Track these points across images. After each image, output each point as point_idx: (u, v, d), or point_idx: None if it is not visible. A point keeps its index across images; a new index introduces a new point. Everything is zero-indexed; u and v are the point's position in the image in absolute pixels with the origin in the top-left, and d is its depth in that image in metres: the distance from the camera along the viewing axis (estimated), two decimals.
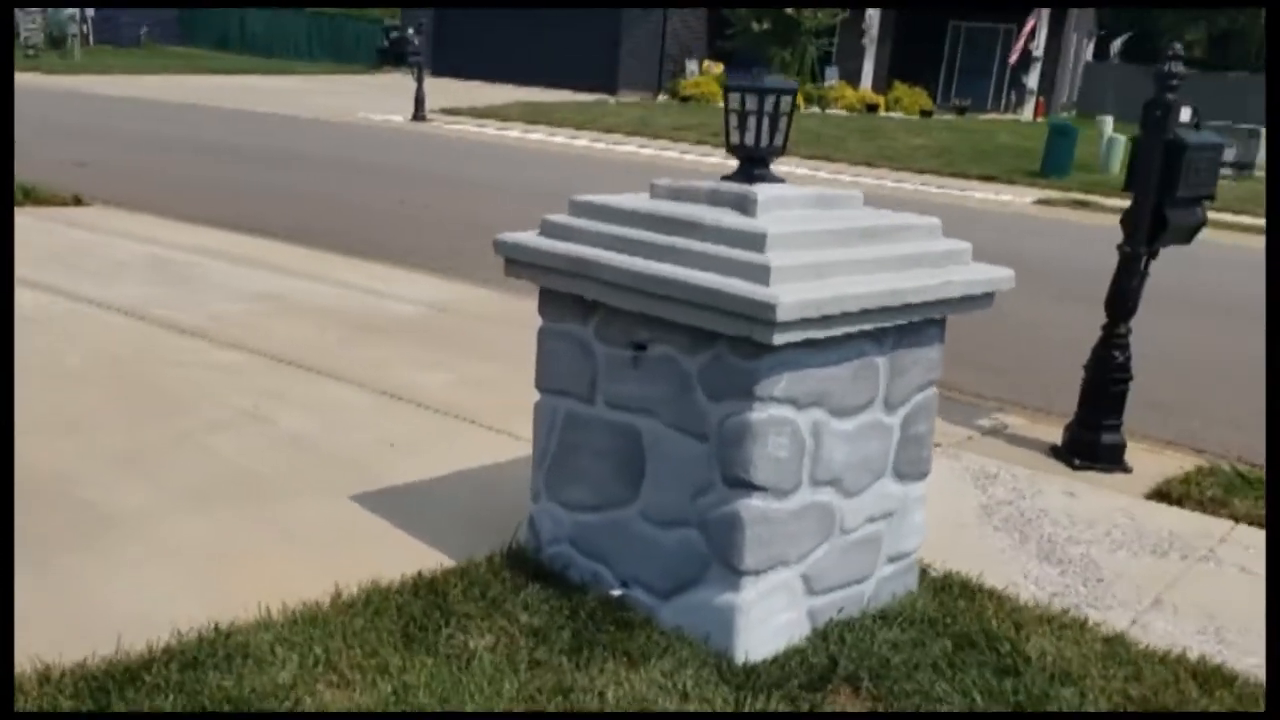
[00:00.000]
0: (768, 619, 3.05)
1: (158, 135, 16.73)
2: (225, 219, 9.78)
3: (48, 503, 3.74)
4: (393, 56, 37.49)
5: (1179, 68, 4.69)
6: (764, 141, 3.21)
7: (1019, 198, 15.59)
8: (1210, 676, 3.11)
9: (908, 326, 3.15)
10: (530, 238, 3.30)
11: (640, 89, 32.44)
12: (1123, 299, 4.95)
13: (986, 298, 3.28)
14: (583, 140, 20.70)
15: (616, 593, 3.26)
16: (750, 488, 2.93)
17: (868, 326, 2.97)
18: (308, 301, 6.83)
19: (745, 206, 3.04)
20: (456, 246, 9.55)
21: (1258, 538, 4.32)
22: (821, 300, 2.76)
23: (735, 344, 2.87)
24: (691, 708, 2.78)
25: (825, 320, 2.81)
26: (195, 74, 29.92)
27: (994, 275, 3.25)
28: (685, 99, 29.88)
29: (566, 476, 3.38)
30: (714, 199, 3.16)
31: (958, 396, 5.92)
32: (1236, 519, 4.49)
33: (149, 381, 5.07)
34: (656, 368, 3.08)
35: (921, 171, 18.02)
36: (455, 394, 5.25)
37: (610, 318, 3.18)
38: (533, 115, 23.24)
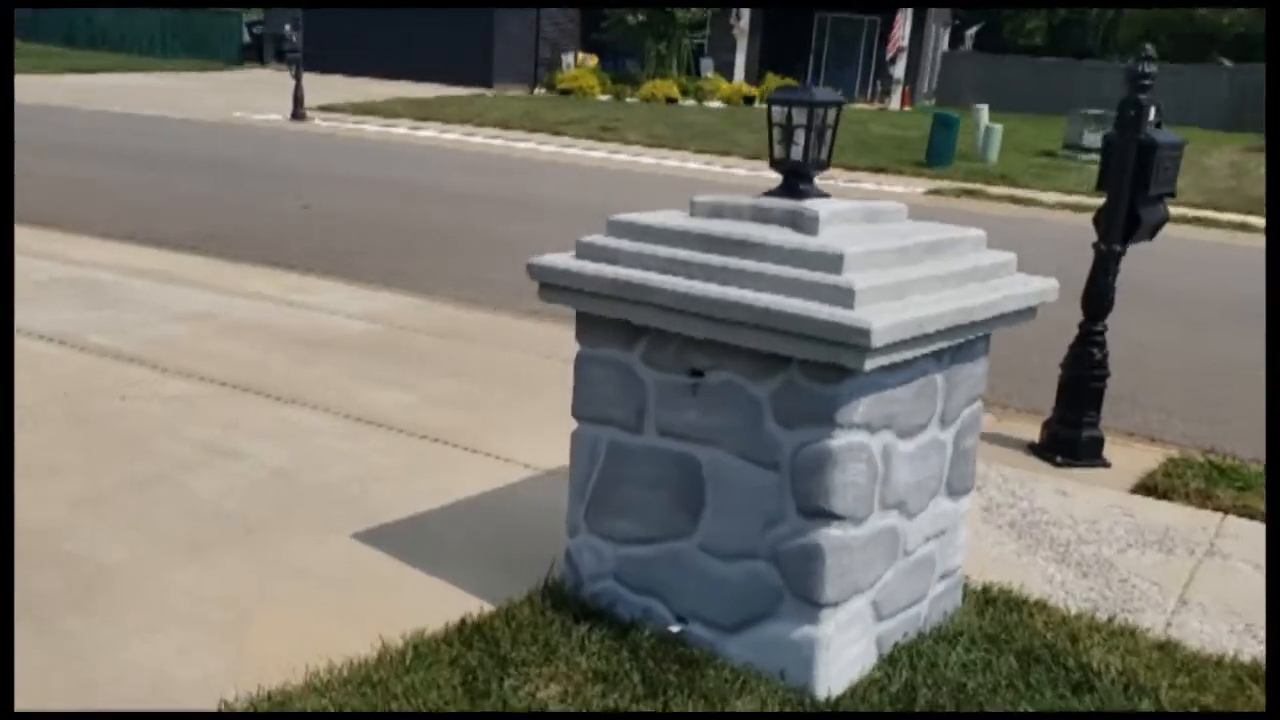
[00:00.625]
0: (844, 650, 2.96)
1: (30, 140, 15.74)
2: (131, 231, 9.23)
3: (29, 557, 3.41)
4: (258, 52, 36.23)
5: (1151, 68, 4.76)
6: (811, 155, 3.12)
7: (910, 189, 15.86)
8: (1259, 673, 3.14)
9: (964, 343, 3.09)
10: (570, 261, 3.12)
11: (515, 82, 32.06)
12: (1100, 296, 5.01)
13: (1032, 310, 3.24)
14: (477, 136, 20.30)
15: (675, 629, 3.12)
16: (830, 517, 2.83)
17: (942, 345, 2.90)
18: (243, 319, 6.46)
19: (804, 225, 2.93)
20: (373, 252, 9.22)
21: (1250, 529, 4.42)
22: (909, 322, 2.67)
23: (809, 369, 2.76)
24: None
25: (908, 342, 2.72)
26: (51, 73, 28.33)
27: (1043, 287, 3.22)
28: (564, 92, 29.65)
29: (612, 509, 3.23)
30: (763, 216, 3.05)
31: None
32: (1224, 510, 4.59)
33: (101, 417, 4.70)
34: (718, 395, 2.95)
35: None
36: (425, 415, 5.02)
37: (660, 343, 3.03)
38: (417, 111, 22.71)
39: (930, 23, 42.35)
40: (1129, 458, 5.24)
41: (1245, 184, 19.22)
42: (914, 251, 2.95)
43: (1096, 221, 5.07)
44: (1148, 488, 4.82)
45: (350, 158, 16.37)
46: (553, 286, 3.16)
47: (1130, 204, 4.93)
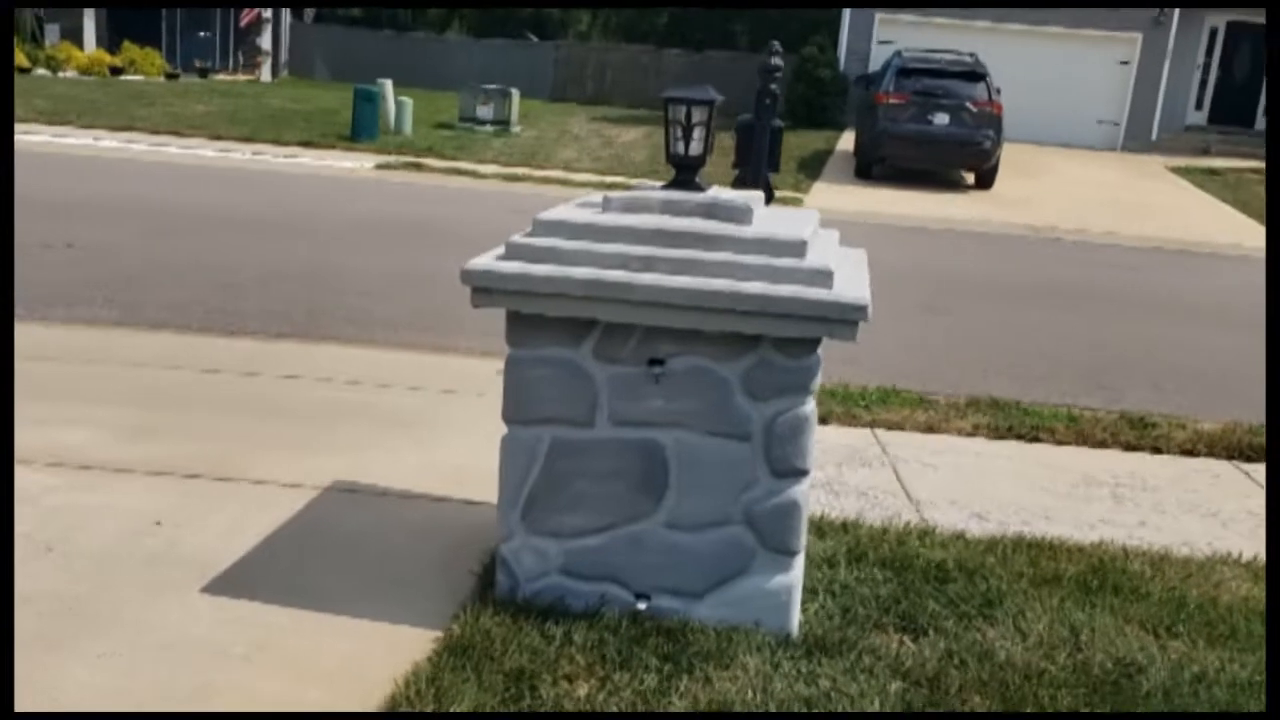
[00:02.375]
0: (800, 590, 3.34)
1: None
2: None
3: None
4: None
5: (779, 61, 5.56)
6: (709, 150, 3.39)
7: (358, 163, 15.88)
8: (1041, 545, 4.07)
9: None
10: (515, 265, 3.10)
11: None
12: None
13: None
14: None
15: (643, 606, 3.28)
16: (802, 474, 3.19)
17: None
18: None
19: (736, 215, 3.21)
20: None
21: (900, 437, 5.45)
22: (868, 298, 3.10)
23: (784, 345, 3.08)
24: (825, 687, 3.01)
25: None
26: None
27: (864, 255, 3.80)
28: None
29: (557, 506, 3.27)
30: (675, 208, 3.28)
31: None
32: (869, 426, 5.60)
33: None
34: (684, 380, 3.15)
35: (241, 140, 17.37)
36: (139, 450, 4.42)
37: (615, 338, 3.15)
38: None
39: None
40: None
41: (622, 151, 21.65)
42: (821, 233, 3.37)
43: None
44: None
45: None
46: (492, 291, 3.11)
47: (765, 177, 5.74)
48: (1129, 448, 5.58)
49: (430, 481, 4.33)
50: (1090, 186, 19.97)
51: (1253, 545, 4.36)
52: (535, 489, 3.27)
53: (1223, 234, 16.08)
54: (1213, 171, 22.93)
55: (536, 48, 42.46)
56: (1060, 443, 5.59)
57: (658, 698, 2.90)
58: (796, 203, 16.66)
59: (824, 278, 3.01)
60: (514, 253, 3.14)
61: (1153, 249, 14.11)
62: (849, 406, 5.81)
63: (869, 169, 19.66)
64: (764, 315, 3.00)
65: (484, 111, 23.63)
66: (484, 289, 3.11)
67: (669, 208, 3.29)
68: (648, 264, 3.07)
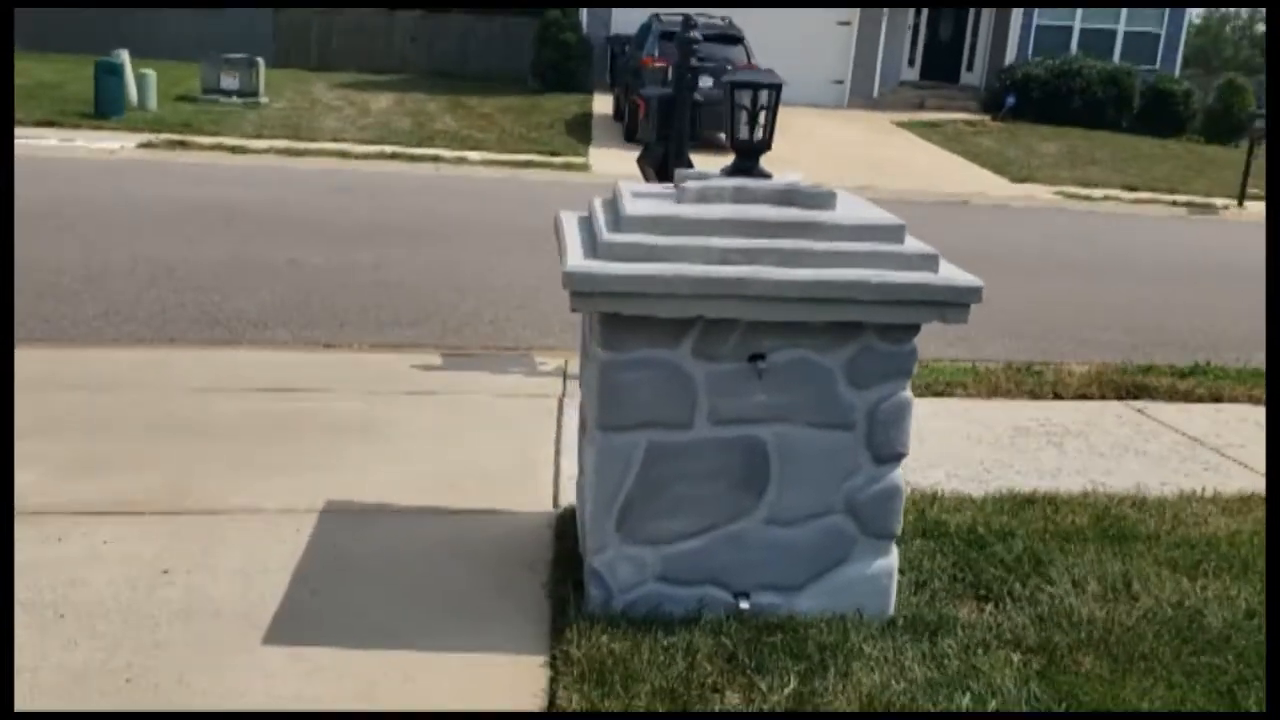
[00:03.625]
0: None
1: None
2: None
3: None
4: None
5: (699, 35, 5.50)
6: (768, 134, 3.31)
7: (118, 143, 14.48)
8: (1038, 500, 4.25)
9: None
10: (616, 267, 2.91)
11: None
12: None
13: None
14: None
15: (745, 605, 3.20)
16: (901, 458, 3.19)
17: None
18: None
19: (821, 201, 3.16)
20: None
21: None
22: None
23: (886, 331, 3.07)
24: (957, 666, 3.04)
25: None
26: None
27: None
28: None
29: (655, 512, 3.13)
30: (749, 196, 3.18)
31: (475, 352, 6.15)
32: None
33: None
34: (786, 372, 3.08)
35: None
36: (90, 487, 3.93)
37: (715, 335, 3.03)
38: None
39: None
40: None
41: (383, 119, 20.89)
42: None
43: (642, 161, 5.74)
44: None
45: None
46: (594, 294, 2.93)
47: (685, 153, 5.68)
48: (1033, 396, 5.93)
49: (422, 495, 4.06)
50: (841, 145, 20.96)
51: (1190, 481, 4.71)
52: (631, 496, 3.12)
53: (970, 185, 17.32)
54: (933, 125, 24.52)
55: (252, 13, 40.12)
56: (972, 395, 5.87)
57: (813, 699, 2.84)
58: (581, 168, 16.63)
59: (930, 261, 3.01)
60: (606, 252, 2.96)
61: (930, 203, 14.97)
62: None
63: (637, 132, 19.71)
64: (878, 303, 2.96)
65: (229, 82, 22.18)
66: (585, 293, 2.92)
67: (742, 195, 3.19)
68: (751, 256, 2.97)
